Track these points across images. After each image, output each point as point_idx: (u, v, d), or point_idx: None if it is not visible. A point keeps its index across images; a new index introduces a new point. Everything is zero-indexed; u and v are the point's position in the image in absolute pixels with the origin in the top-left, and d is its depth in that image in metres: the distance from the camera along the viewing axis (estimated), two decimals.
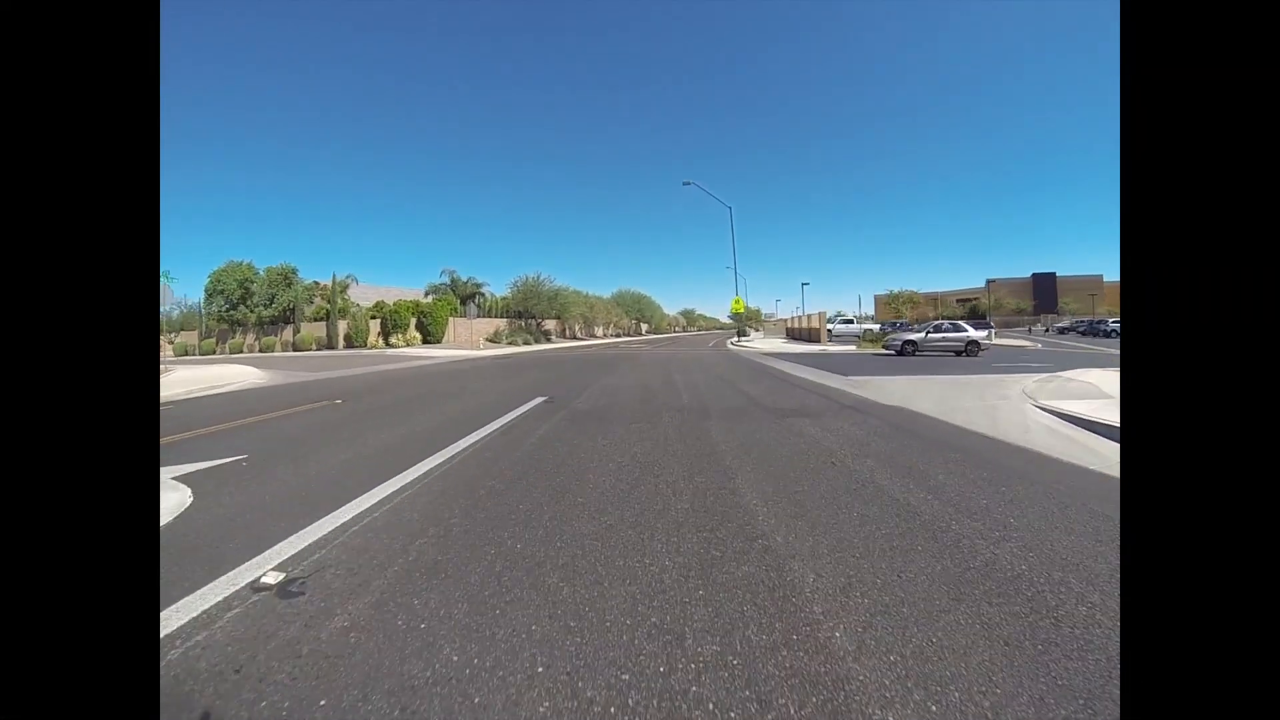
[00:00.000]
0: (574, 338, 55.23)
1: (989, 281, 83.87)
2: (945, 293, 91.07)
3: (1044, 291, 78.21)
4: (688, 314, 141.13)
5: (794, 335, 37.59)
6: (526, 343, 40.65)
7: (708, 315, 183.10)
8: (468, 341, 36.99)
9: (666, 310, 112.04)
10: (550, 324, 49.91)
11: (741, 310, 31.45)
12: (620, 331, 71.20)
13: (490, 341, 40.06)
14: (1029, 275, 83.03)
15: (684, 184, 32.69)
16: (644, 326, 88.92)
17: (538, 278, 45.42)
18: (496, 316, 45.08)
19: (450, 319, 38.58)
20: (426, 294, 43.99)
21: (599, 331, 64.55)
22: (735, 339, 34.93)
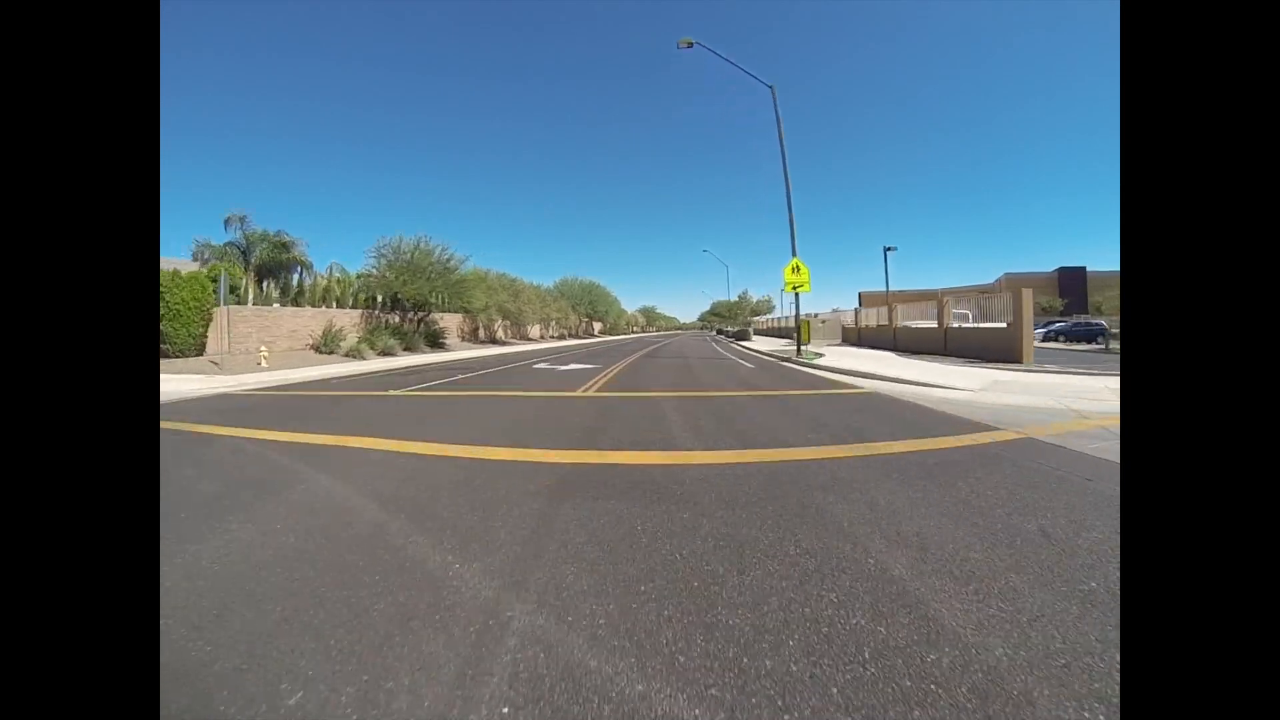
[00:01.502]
0: (493, 340, 37.00)
1: (1005, 276, 71.23)
2: (944, 290, 76.90)
3: (1072, 288, 65.90)
4: (648, 312, 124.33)
5: (867, 341, 21.12)
6: (388, 352, 22.41)
7: (666, 315, 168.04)
8: (255, 353, 18.53)
9: (625, 307, 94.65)
10: (449, 320, 31.77)
11: (807, 286, 14.52)
12: (565, 331, 53.23)
13: (319, 350, 21.69)
14: (1054, 270, 70.52)
15: (681, 44, 15.60)
16: (598, 326, 71.26)
17: (419, 243, 26.95)
18: (355, 305, 26.65)
19: (223, 309, 19.83)
20: (204, 260, 24.63)
21: (535, 332, 46.41)
22: (736, 342, 18.07)
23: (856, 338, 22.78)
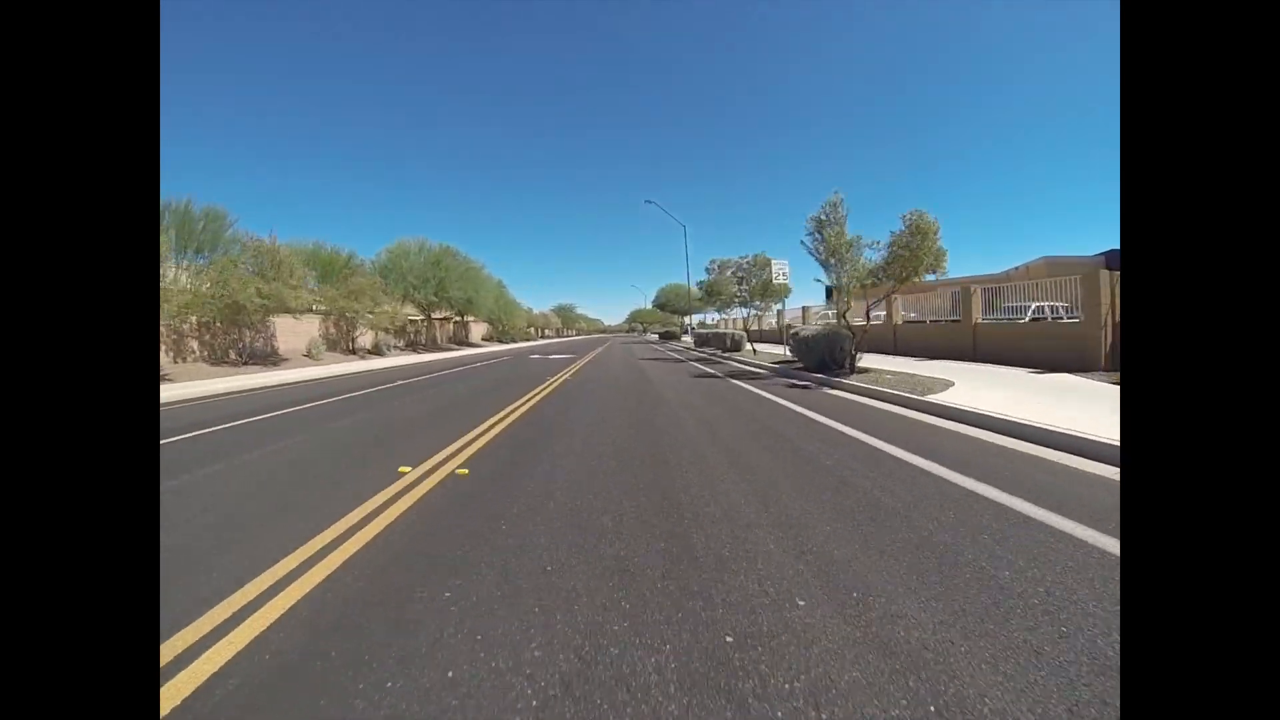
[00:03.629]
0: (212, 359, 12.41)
1: (1045, 260, 54.00)
2: (946, 281, 57.91)
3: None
4: (564, 312, 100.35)
5: None
6: None
7: (589, 316, 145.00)
8: None
9: (526, 304, 69.88)
10: None
11: None
12: (405, 341, 28.52)
13: None
14: (1098, 254, 54.29)
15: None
16: (480, 330, 46.68)
17: None
18: None
19: None
20: None
21: (296, 340, 21.62)
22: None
23: None
